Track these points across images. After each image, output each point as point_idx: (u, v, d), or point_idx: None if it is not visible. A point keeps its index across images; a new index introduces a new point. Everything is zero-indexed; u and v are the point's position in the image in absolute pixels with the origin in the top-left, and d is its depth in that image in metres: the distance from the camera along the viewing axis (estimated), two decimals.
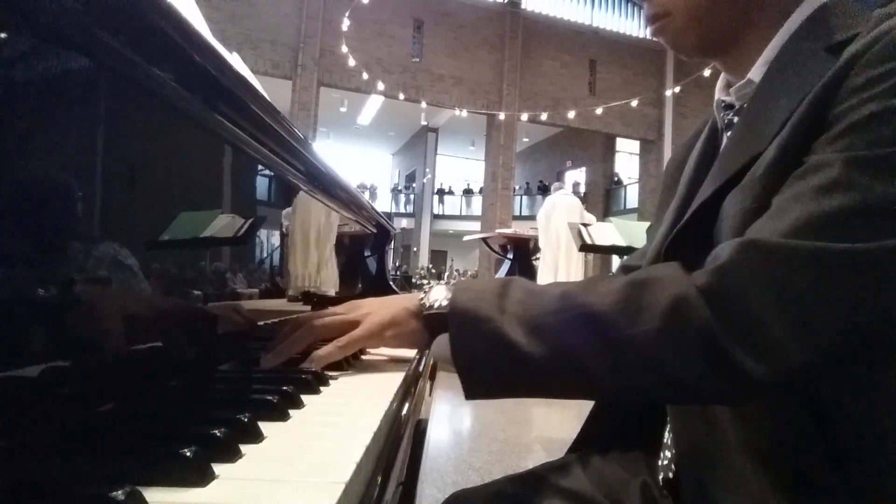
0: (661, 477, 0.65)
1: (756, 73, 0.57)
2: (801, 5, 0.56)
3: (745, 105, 0.57)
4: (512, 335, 0.48)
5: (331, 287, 1.18)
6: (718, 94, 0.64)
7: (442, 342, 0.53)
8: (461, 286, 0.54)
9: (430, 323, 0.56)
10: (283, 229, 0.91)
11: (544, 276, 6.22)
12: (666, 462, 0.64)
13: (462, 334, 0.50)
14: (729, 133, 0.61)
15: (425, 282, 15.29)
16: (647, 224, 0.91)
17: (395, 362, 0.75)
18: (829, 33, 0.51)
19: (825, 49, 0.50)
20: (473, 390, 0.50)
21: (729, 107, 0.62)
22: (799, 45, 0.53)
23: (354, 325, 0.60)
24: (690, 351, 0.43)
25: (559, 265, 6.13)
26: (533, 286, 0.53)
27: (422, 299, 0.58)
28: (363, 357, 0.79)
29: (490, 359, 0.49)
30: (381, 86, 11.32)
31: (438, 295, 0.57)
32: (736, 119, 0.60)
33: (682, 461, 0.60)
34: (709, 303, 0.43)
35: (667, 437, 0.65)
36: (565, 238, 6.06)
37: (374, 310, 0.61)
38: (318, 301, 1.09)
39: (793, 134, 0.48)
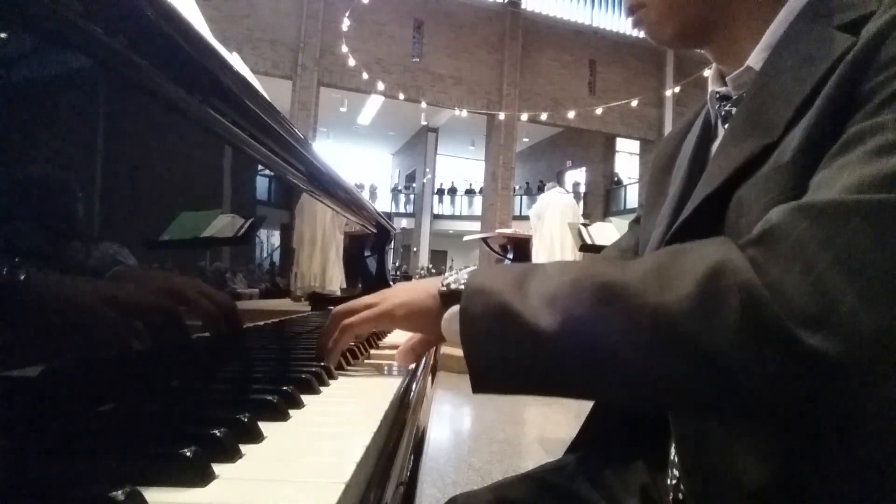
0: (670, 497, 0.62)
1: (755, 59, 0.54)
2: None
3: (747, 93, 0.54)
4: (517, 305, 0.43)
5: (336, 287, 1.18)
6: (712, 85, 0.62)
7: (452, 317, 0.49)
8: (483, 267, 0.51)
9: (446, 301, 0.52)
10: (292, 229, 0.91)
11: None
12: (674, 482, 0.61)
13: (472, 308, 0.45)
14: (727, 125, 0.58)
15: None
16: None
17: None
18: (840, 12, 0.48)
19: (837, 27, 0.47)
20: (481, 375, 0.45)
21: (724, 98, 0.59)
22: (805, 26, 0.50)
23: (371, 307, 0.60)
24: (732, 323, 0.36)
25: None
26: (563, 263, 0.48)
27: (442, 283, 0.55)
28: (365, 360, 0.79)
29: (498, 334, 0.44)
30: (381, 86, 11.32)
31: (458, 278, 0.54)
32: (734, 110, 0.57)
33: (692, 488, 0.54)
34: (755, 265, 0.37)
35: (672, 453, 0.60)
36: (559, 238, 6.03)
37: (394, 293, 0.60)
38: (324, 301, 1.09)
39: (820, 115, 0.44)
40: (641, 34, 0.63)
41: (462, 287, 0.49)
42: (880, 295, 0.35)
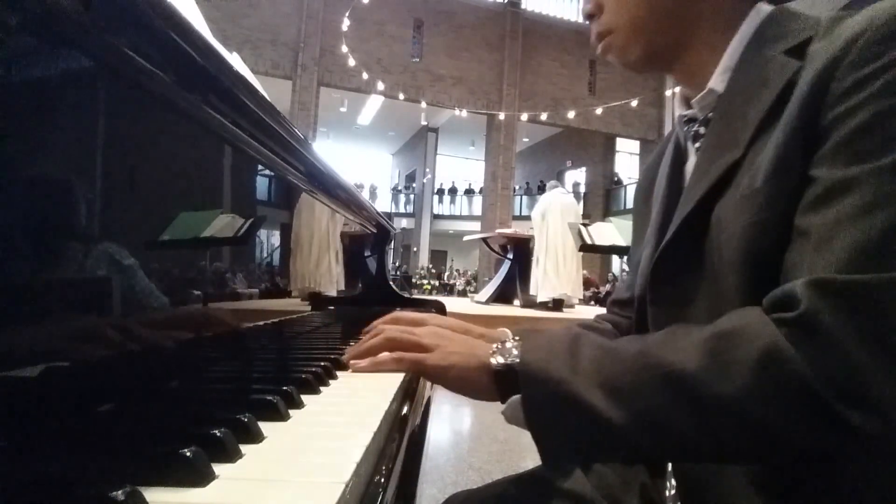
0: (669, 496, 0.63)
1: (716, 81, 0.57)
2: (749, 15, 0.57)
3: (714, 115, 0.57)
4: (589, 398, 0.46)
5: (334, 287, 1.18)
6: (678, 109, 0.64)
7: (515, 405, 0.51)
8: (529, 344, 0.52)
9: (500, 380, 0.53)
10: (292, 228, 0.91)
11: (540, 278, 6.16)
12: (673, 493, 0.62)
13: (535, 398, 0.48)
14: (697, 145, 0.61)
15: (425, 282, 15.28)
16: None
17: None
18: (784, 38, 0.52)
19: (784, 52, 0.51)
20: (552, 455, 0.49)
21: (691, 119, 0.62)
22: (756, 51, 0.54)
23: (424, 349, 0.59)
24: (789, 407, 0.40)
25: (558, 265, 6.07)
26: (603, 342, 0.51)
27: (492, 353, 0.54)
28: None
29: (566, 423, 0.47)
30: (381, 86, 11.33)
31: (509, 350, 0.54)
32: (703, 130, 0.60)
33: (687, 496, 0.58)
34: (803, 355, 0.40)
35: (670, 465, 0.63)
36: (562, 237, 6.02)
37: (446, 343, 0.58)
38: (323, 301, 1.09)
39: (785, 146, 0.47)
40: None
41: (516, 366, 0.51)
42: None
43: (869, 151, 0.42)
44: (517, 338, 0.55)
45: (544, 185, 7.45)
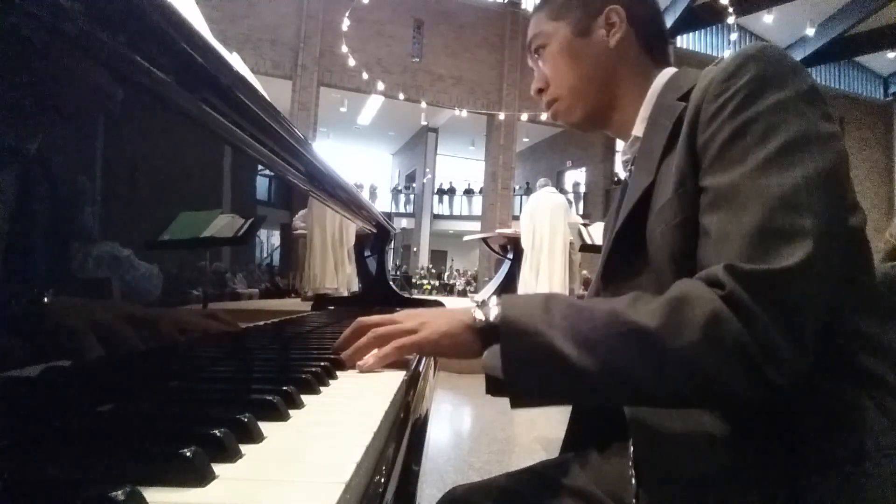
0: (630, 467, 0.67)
1: (637, 129, 0.74)
2: (658, 75, 0.74)
3: (637, 154, 0.73)
4: (563, 349, 0.53)
5: (344, 288, 1.18)
6: (621, 156, 0.80)
7: (493, 354, 0.57)
8: (508, 301, 0.59)
9: (483, 335, 0.60)
10: (295, 229, 0.91)
11: (526, 279, 6.10)
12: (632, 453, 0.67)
13: (514, 346, 0.55)
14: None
15: (425, 282, 15.27)
16: None
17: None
18: (678, 89, 0.68)
19: (678, 98, 0.66)
20: (520, 398, 0.55)
21: (629, 161, 0.77)
22: (662, 101, 0.71)
23: (412, 332, 0.63)
24: (727, 359, 0.50)
25: (541, 267, 6.01)
26: (572, 301, 0.59)
27: (474, 312, 0.62)
28: None
29: (539, 370, 0.54)
30: (381, 86, 11.32)
31: (490, 309, 0.60)
32: (633, 168, 0.75)
33: (639, 432, 0.65)
34: (738, 317, 0.50)
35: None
36: (549, 238, 5.97)
37: (430, 319, 0.64)
38: (326, 301, 1.09)
39: (680, 166, 0.61)
40: None
41: (497, 322, 0.57)
42: (798, 338, 0.50)
43: (734, 160, 0.56)
44: (496, 297, 0.62)
45: (534, 186, 7.41)
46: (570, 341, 0.53)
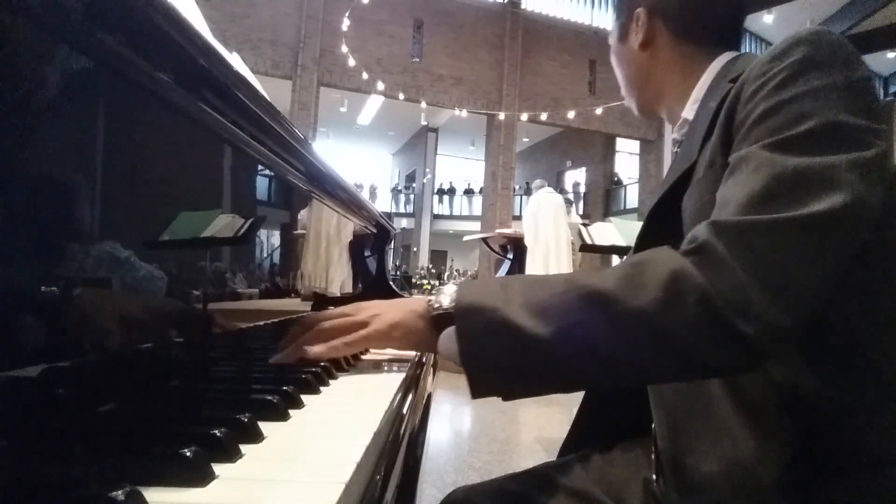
0: (653, 464, 0.66)
1: (688, 111, 0.73)
2: (717, 58, 0.73)
3: (685, 136, 0.73)
4: (517, 319, 0.50)
5: (339, 287, 1.18)
6: (672, 135, 0.79)
7: (449, 337, 0.54)
8: (465, 285, 0.56)
9: (437, 322, 0.58)
10: (299, 228, 0.91)
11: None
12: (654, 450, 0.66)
13: (467, 325, 0.52)
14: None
15: (425, 282, 15.28)
16: None
17: (396, 362, 0.75)
18: (733, 72, 0.66)
19: (730, 81, 0.64)
20: (479, 384, 0.51)
21: (678, 142, 0.77)
22: (715, 84, 0.69)
23: (363, 325, 0.61)
24: (692, 317, 0.47)
25: (549, 266, 6.04)
26: (535, 277, 0.56)
27: (429, 301, 0.60)
28: (364, 357, 0.79)
29: (495, 347, 0.51)
30: (381, 86, 11.32)
31: (444, 295, 0.58)
32: (677, 150, 0.76)
33: (661, 416, 0.63)
34: (701, 272, 0.47)
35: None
36: (554, 237, 5.99)
37: (382, 311, 0.62)
38: (326, 301, 1.09)
39: (715, 143, 0.60)
40: None
41: (452, 308, 0.55)
42: (782, 293, 0.47)
43: (761, 136, 0.53)
44: (452, 284, 0.60)
45: (531, 187, 7.42)
46: (525, 311, 0.50)
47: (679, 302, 0.47)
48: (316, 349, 0.60)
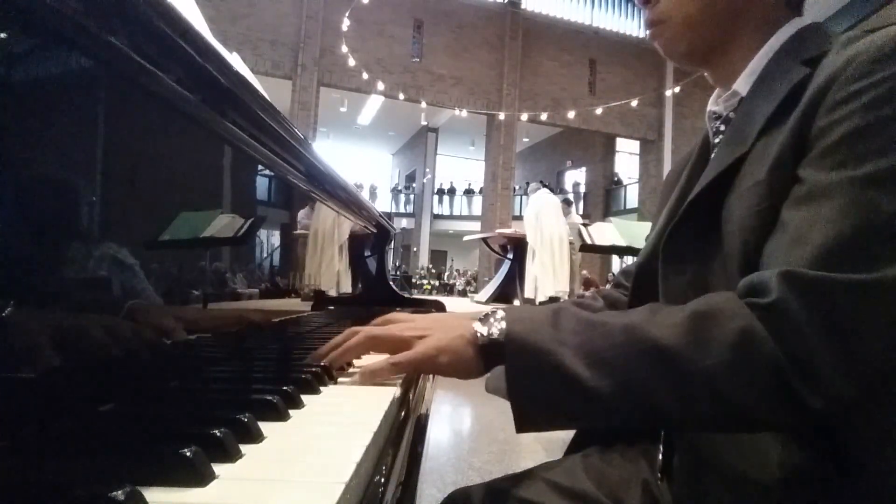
0: (658, 465, 0.66)
1: (741, 84, 0.62)
2: (783, 27, 0.61)
3: (734, 115, 0.63)
4: (573, 368, 0.49)
5: (342, 287, 1.18)
6: (710, 105, 0.69)
7: (497, 374, 0.52)
8: (514, 315, 0.54)
9: (486, 353, 0.54)
10: (299, 229, 0.91)
11: (540, 276, 6.16)
12: (659, 455, 0.65)
13: (520, 366, 0.50)
14: (717, 140, 0.66)
15: (425, 282, 15.28)
16: (647, 224, 0.94)
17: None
18: (805, 50, 0.57)
19: (802, 61, 0.55)
20: (527, 422, 0.51)
21: (718, 116, 0.67)
22: (781, 60, 0.59)
23: (407, 344, 0.58)
24: (760, 382, 0.45)
25: (555, 264, 6.08)
26: (582, 315, 0.53)
27: (475, 325, 0.56)
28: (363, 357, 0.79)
29: (548, 392, 0.50)
30: (381, 86, 11.32)
31: (492, 322, 0.55)
32: (722, 127, 0.66)
33: (674, 443, 0.61)
34: (773, 335, 0.45)
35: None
36: (557, 237, 6.04)
37: (429, 332, 0.58)
38: (326, 301, 1.09)
39: (786, 145, 0.51)
40: (642, 34, 0.72)
41: (501, 339, 0.52)
42: (853, 363, 0.44)
43: (849, 161, 0.47)
44: (500, 310, 0.56)
45: (528, 188, 7.47)
46: (582, 360, 0.49)
47: (747, 367, 0.45)
48: (367, 373, 0.58)
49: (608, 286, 0.93)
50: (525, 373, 0.50)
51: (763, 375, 0.45)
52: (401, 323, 0.62)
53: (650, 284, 0.66)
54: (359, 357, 0.63)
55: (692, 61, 0.68)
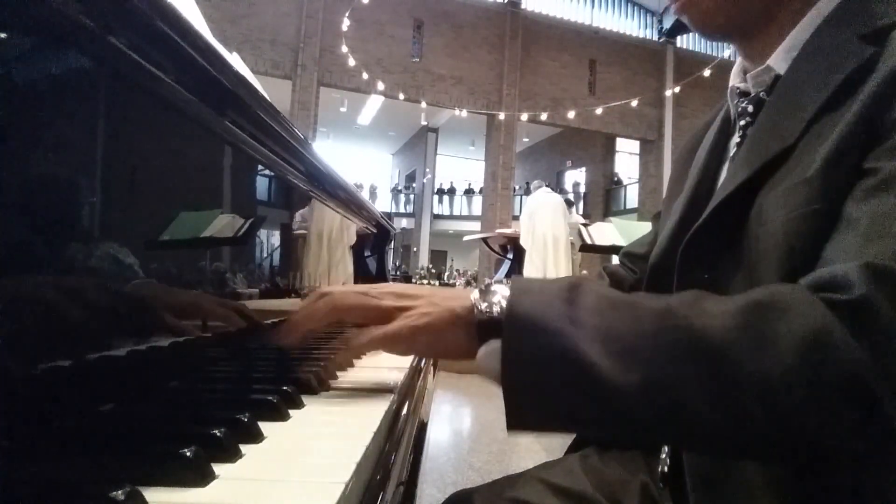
0: (659, 470, 0.64)
1: (776, 60, 0.54)
2: None
3: (769, 95, 0.55)
4: (589, 356, 0.38)
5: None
6: (733, 80, 0.61)
7: (492, 354, 0.42)
8: (520, 285, 0.44)
9: (482, 331, 0.45)
10: (296, 228, 0.91)
11: (531, 276, 6.12)
12: (664, 456, 0.64)
13: (518, 348, 0.40)
14: (742, 122, 0.59)
15: (425, 282, 15.28)
16: (647, 224, 0.91)
17: (396, 369, 0.75)
18: (862, 20, 0.48)
19: (859, 37, 0.47)
20: (521, 419, 0.41)
21: (744, 94, 0.59)
22: (829, 33, 0.50)
23: (387, 315, 0.49)
24: (832, 397, 0.35)
25: (547, 266, 6.06)
26: (604, 291, 0.44)
27: (474, 299, 0.46)
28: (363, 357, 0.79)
29: (553, 384, 0.39)
30: (381, 86, 11.32)
31: (496, 297, 0.45)
32: (751, 108, 0.58)
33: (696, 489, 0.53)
34: (859, 340, 0.36)
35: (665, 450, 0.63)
36: (552, 238, 6.01)
37: (416, 303, 0.49)
38: None
39: (846, 136, 0.44)
40: (642, 34, 0.65)
41: (501, 315, 0.42)
42: None
43: None
44: (507, 281, 0.46)
45: (529, 187, 7.43)
46: (601, 347, 0.39)
47: (820, 378, 0.35)
48: (338, 358, 0.50)
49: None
50: (526, 357, 0.40)
51: (838, 388, 0.35)
52: (386, 290, 0.52)
53: (667, 278, 0.59)
54: (318, 326, 0.54)
55: (726, 35, 0.60)
